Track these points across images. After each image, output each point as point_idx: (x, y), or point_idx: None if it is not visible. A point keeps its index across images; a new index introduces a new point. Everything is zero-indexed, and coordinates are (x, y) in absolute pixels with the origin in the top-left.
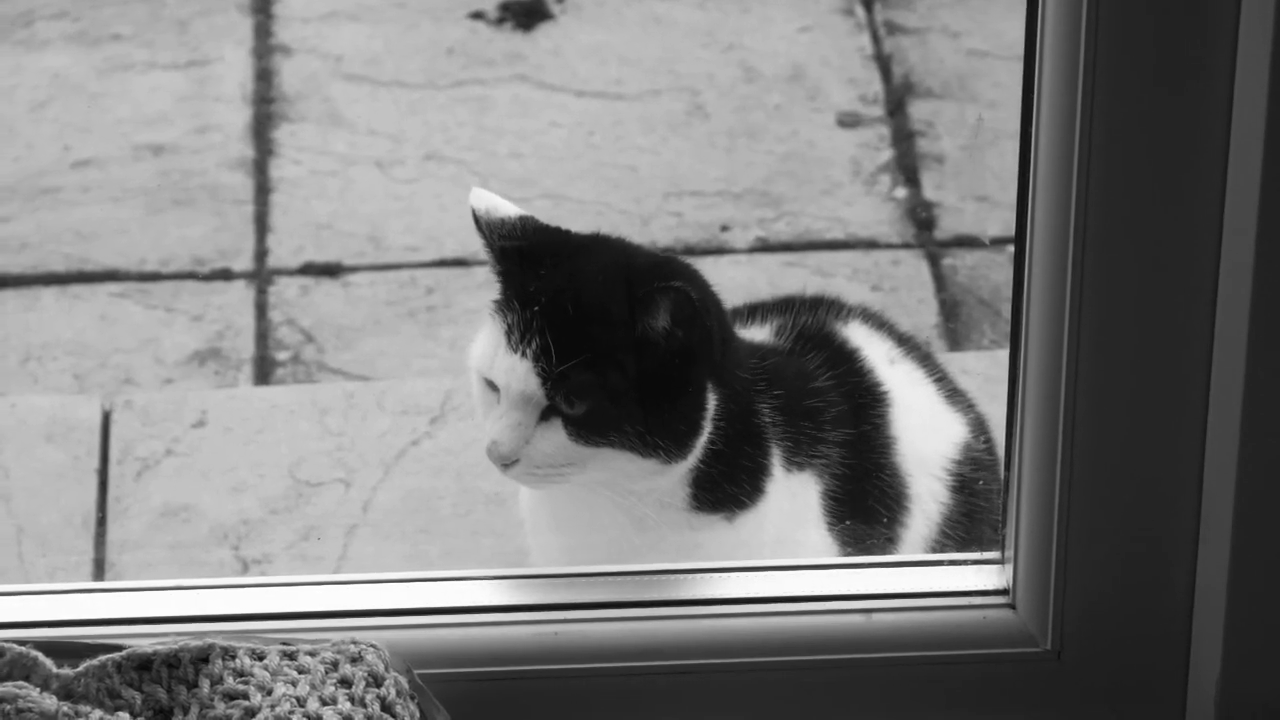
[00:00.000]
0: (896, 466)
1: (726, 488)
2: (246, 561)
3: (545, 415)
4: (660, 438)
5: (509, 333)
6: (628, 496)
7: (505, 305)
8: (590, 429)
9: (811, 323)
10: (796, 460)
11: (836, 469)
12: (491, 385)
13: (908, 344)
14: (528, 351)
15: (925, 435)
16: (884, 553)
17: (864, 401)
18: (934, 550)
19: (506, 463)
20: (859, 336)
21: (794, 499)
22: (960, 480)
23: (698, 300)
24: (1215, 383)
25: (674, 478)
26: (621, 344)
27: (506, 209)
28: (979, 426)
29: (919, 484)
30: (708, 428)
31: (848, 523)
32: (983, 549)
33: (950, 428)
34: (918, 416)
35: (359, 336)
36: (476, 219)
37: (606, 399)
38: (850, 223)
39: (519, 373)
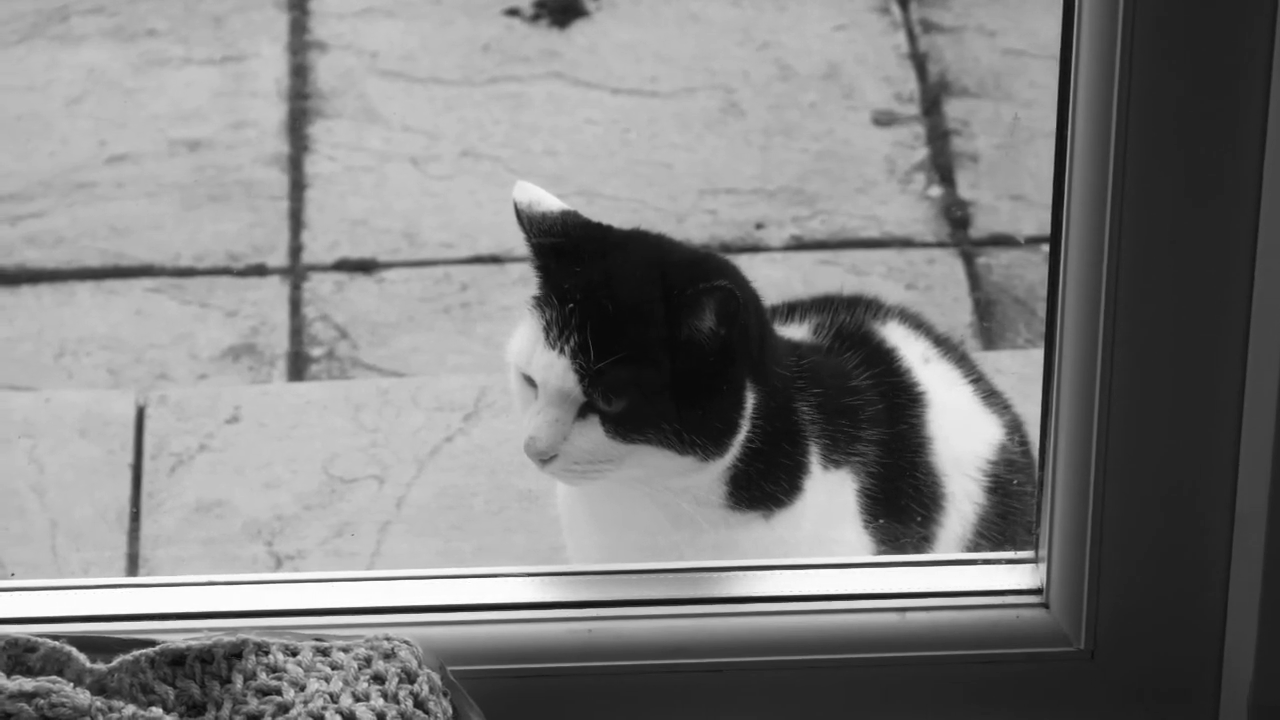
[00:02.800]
0: (932, 466)
1: (764, 486)
2: (280, 557)
3: (583, 412)
4: (697, 435)
5: (547, 329)
6: (664, 493)
7: (544, 301)
8: (628, 426)
9: (850, 322)
10: (834, 458)
11: (873, 467)
12: (529, 381)
13: (945, 345)
14: (566, 348)
15: (961, 436)
16: (919, 552)
17: (901, 401)
18: (969, 551)
19: (544, 458)
20: (896, 336)
21: (831, 497)
22: (996, 481)
23: (741, 298)
24: (1250, 381)
25: (711, 475)
26: (661, 341)
27: (549, 203)
28: (1015, 428)
29: (954, 484)
30: (745, 426)
31: (883, 521)
32: (1013, 548)
33: (986, 429)
34: (954, 417)
35: (393, 333)
36: (518, 212)
37: (644, 396)
38: (885, 221)
39: (557, 369)
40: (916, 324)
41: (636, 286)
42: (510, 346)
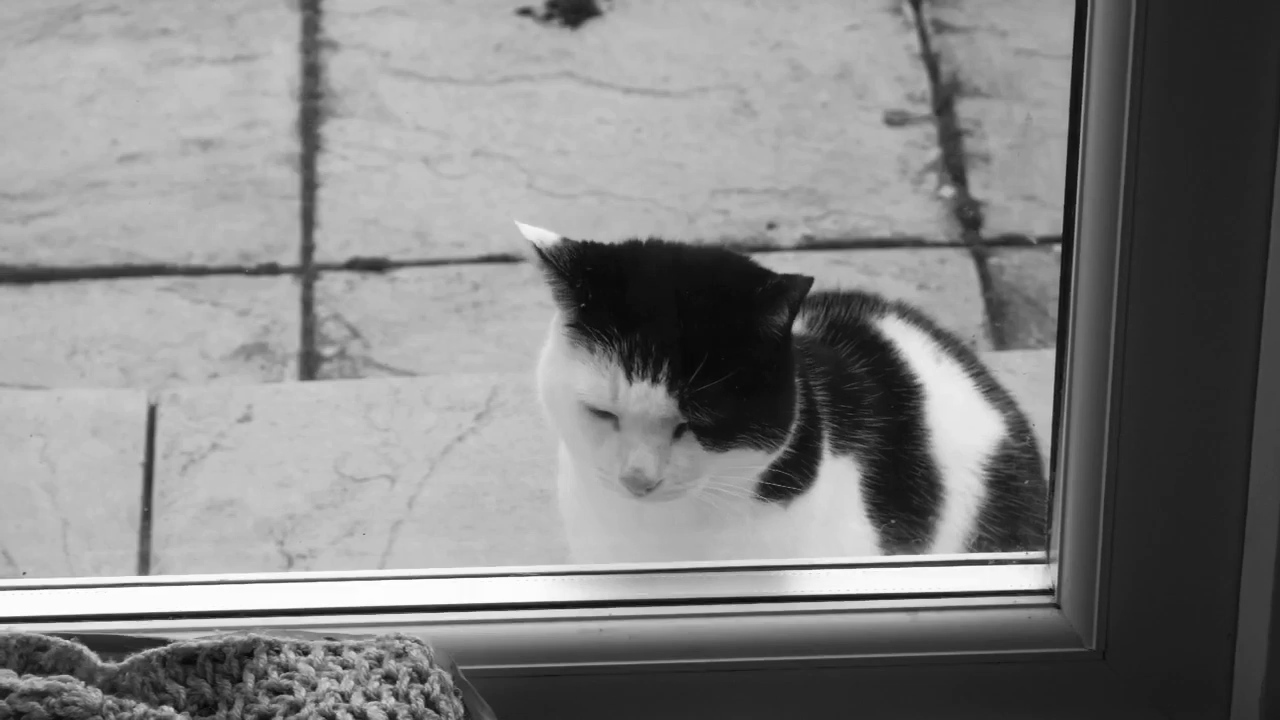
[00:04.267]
0: (932, 459)
1: (788, 473)
2: (291, 556)
3: (677, 431)
4: (777, 428)
5: (627, 360)
6: (707, 492)
7: (601, 332)
8: (723, 435)
9: (845, 315)
10: (840, 444)
11: (874, 455)
12: (600, 414)
13: (945, 339)
14: (660, 375)
15: (960, 429)
16: (922, 545)
17: (899, 392)
18: (973, 546)
19: (651, 487)
20: (894, 330)
21: (838, 484)
22: (996, 476)
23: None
24: (1262, 380)
25: (765, 466)
26: (736, 345)
27: (553, 236)
28: (1018, 423)
29: (955, 477)
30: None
31: (893, 522)
32: (1021, 546)
33: (986, 423)
34: (953, 410)
35: (405, 332)
36: (540, 253)
37: (734, 403)
38: (897, 221)
39: (655, 398)
40: (916, 318)
41: (704, 297)
42: (575, 387)
